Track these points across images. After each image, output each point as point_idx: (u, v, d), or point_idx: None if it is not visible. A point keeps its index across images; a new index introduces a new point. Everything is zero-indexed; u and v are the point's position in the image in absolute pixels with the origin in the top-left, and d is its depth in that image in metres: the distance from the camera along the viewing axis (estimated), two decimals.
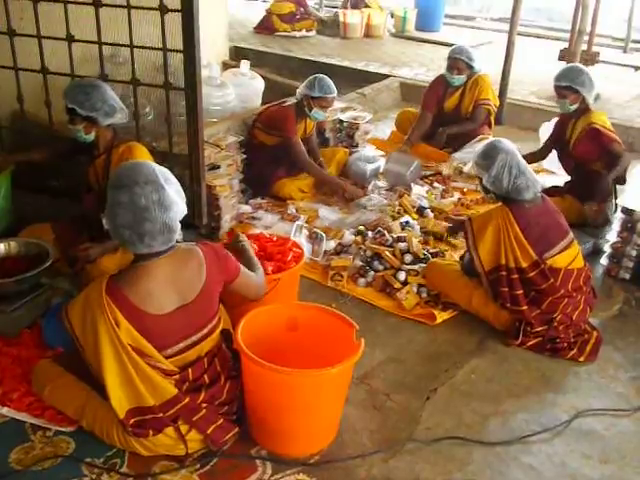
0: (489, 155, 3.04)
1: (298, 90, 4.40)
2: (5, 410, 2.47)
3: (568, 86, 3.98)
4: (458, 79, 5.03)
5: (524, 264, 2.98)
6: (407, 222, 3.93)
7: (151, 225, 2.12)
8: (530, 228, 2.99)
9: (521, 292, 3.01)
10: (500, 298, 3.06)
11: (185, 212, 2.25)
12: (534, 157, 4.42)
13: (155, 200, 2.12)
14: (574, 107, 4.03)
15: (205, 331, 2.34)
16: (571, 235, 3.11)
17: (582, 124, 4.01)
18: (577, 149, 4.06)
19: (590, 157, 3.94)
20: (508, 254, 3.00)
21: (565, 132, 4.19)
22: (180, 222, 2.23)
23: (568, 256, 3.05)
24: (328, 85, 4.31)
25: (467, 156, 5.00)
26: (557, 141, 4.30)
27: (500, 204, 3.12)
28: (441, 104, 5.15)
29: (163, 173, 2.20)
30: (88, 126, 3.10)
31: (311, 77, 4.35)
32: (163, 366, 2.24)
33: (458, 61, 4.97)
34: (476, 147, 4.85)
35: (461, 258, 3.36)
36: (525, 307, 3.00)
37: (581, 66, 4.16)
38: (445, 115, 5.15)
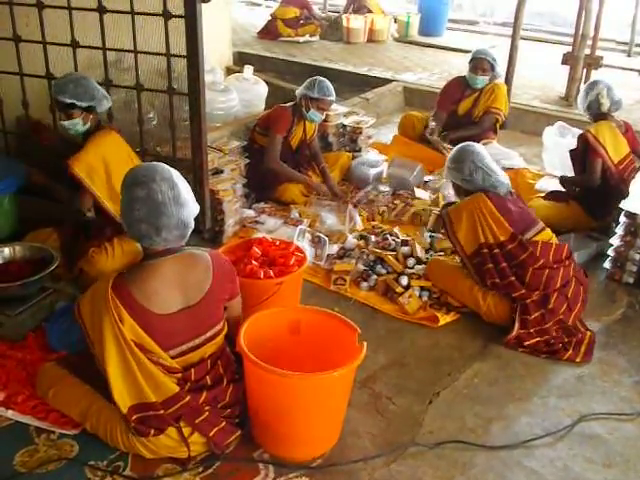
0: (460, 159, 3.23)
1: (297, 91, 4.44)
2: (10, 413, 2.48)
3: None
4: (482, 80, 5.03)
5: (502, 238, 3.12)
6: None
7: (167, 219, 2.18)
8: (507, 208, 3.16)
9: (506, 265, 3.11)
10: (488, 277, 3.13)
11: (197, 211, 2.31)
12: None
13: (171, 196, 2.19)
14: (587, 117, 4.17)
15: (208, 335, 2.35)
16: (541, 224, 3.26)
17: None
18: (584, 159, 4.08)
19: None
20: (486, 231, 3.14)
21: None
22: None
23: (544, 236, 3.21)
24: (327, 87, 4.34)
25: None
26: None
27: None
28: (455, 107, 5.16)
29: (176, 173, 2.27)
30: (86, 116, 3.26)
31: (311, 78, 4.40)
32: (166, 363, 2.26)
33: (483, 61, 4.97)
34: None
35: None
36: (513, 278, 3.09)
37: (593, 81, 4.17)
38: (456, 118, 5.15)
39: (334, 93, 4.40)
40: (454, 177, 3.29)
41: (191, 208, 2.27)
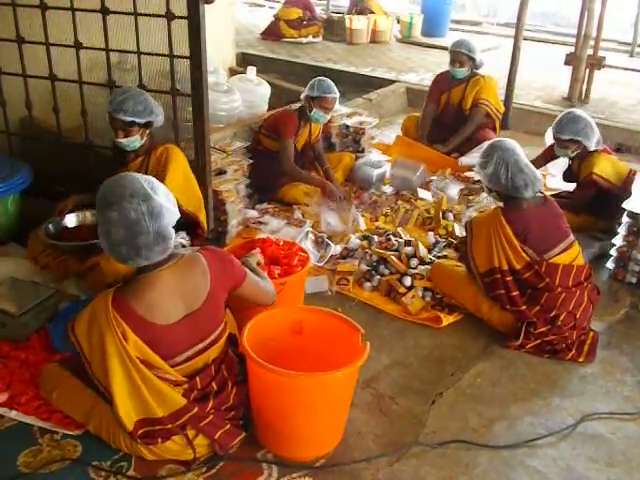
0: (487, 154, 3.10)
1: (302, 94, 4.44)
2: (13, 414, 2.49)
3: (570, 139, 3.93)
4: (460, 72, 5.08)
5: (517, 266, 3.02)
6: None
7: (145, 237, 2.10)
8: (527, 229, 3.01)
9: (517, 293, 3.04)
10: (498, 300, 3.08)
11: (178, 215, 2.24)
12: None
13: (144, 211, 2.10)
14: (575, 154, 4.01)
15: (212, 338, 2.35)
16: (572, 237, 3.13)
17: (587, 168, 3.95)
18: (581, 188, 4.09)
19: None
20: (500, 257, 3.03)
21: (572, 168, 4.17)
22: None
23: (568, 256, 3.08)
24: (328, 85, 4.35)
25: (474, 160, 4.99)
26: (567, 171, 4.28)
27: (495, 207, 3.19)
28: (447, 97, 5.20)
29: (149, 182, 2.18)
30: (143, 132, 3.19)
31: (313, 79, 4.41)
32: (172, 377, 2.25)
33: (458, 54, 5.03)
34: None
35: (460, 259, 3.38)
36: (524, 307, 3.03)
37: (580, 113, 3.96)
38: (450, 107, 5.19)
39: (336, 91, 4.40)
40: (478, 173, 3.17)
41: (169, 216, 2.16)
